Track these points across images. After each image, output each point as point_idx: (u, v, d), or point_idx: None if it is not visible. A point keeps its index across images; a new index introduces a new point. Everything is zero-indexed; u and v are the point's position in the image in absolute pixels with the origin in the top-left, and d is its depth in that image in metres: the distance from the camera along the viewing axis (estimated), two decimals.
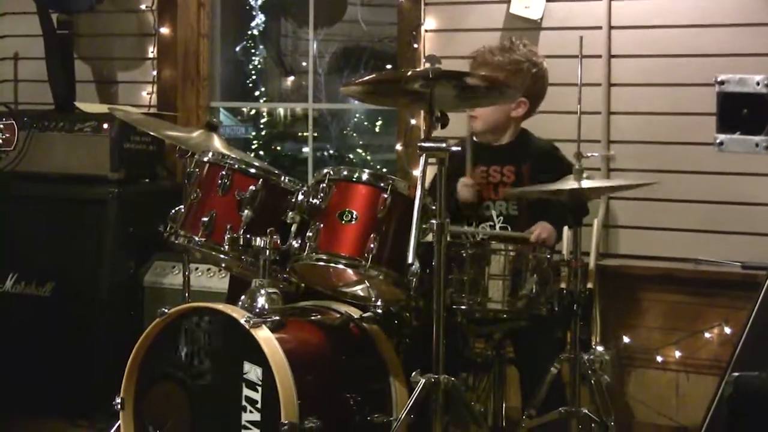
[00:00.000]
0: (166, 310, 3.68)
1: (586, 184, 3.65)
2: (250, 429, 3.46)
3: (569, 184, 3.67)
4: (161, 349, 3.71)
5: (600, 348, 4.38)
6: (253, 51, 7.70)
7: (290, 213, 3.74)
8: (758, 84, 4.14)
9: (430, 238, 3.45)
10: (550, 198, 3.97)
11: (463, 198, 4.16)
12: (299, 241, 3.69)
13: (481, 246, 3.78)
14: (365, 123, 7.96)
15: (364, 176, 3.70)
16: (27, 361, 5.09)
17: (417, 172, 3.51)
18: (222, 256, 3.84)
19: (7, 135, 3.63)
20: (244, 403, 3.47)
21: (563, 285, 3.75)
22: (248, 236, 3.71)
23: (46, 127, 5.30)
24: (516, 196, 4.17)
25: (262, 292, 3.67)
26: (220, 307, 3.62)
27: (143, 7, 5.82)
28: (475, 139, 4.34)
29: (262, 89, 7.92)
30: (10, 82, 6.12)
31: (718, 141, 4.19)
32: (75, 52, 5.79)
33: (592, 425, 3.73)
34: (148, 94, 5.81)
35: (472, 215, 4.20)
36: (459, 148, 3.43)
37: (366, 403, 3.69)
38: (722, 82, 4.18)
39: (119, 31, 5.91)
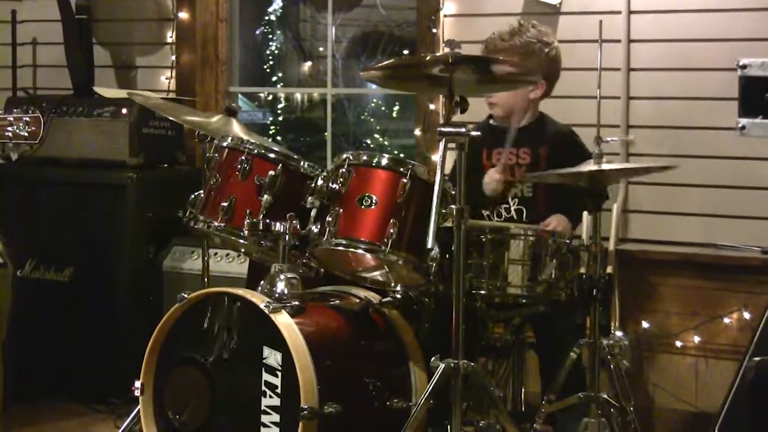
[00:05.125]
0: (185, 296, 3.69)
1: (606, 167, 3.64)
2: (270, 414, 3.47)
3: (588, 167, 3.66)
4: (181, 335, 3.73)
5: (619, 333, 4.39)
6: (271, 36, 7.69)
7: (310, 198, 3.74)
8: None
9: (449, 223, 3.45)
10: (568, 183, 3.96)
11: (490, 191, 4.15)
12: (319, 226, 3.69)
13: (501, 231, 3.78)
14: (383, 108, 7.94)
15: (384, 161, 3.69)
16: (46, 346, 5.11)
17: (436, 157, 3.50)
18: (241, 241, 3.84)
19: (33, 128, 3.59)
20: (263, 388, 3.48)
21: (583, 270, 3.75)
22: (268, 221, 3.72)
23: (64, 112, 5.31)
24: (532, 179, 4.17)
25: (282, 277, 3.67)
26: (240, 292, 3.63)
27: None
28: (492, 122, 4.33)
29: (280, 74, 7.90)
30: (29, 67, 6.12)
31: (740, 125, 4.17)
32: (93, 37, 5.81)
33: (612, 410, 3.73)
34: (166, 78, 5.81)
35: (493, 203, 4.19)
36: (479, 133, 3.41)
37: (385, 388, 3.69)
38: (744, 66, 4.16)
39: (138, 16, 5.91)
